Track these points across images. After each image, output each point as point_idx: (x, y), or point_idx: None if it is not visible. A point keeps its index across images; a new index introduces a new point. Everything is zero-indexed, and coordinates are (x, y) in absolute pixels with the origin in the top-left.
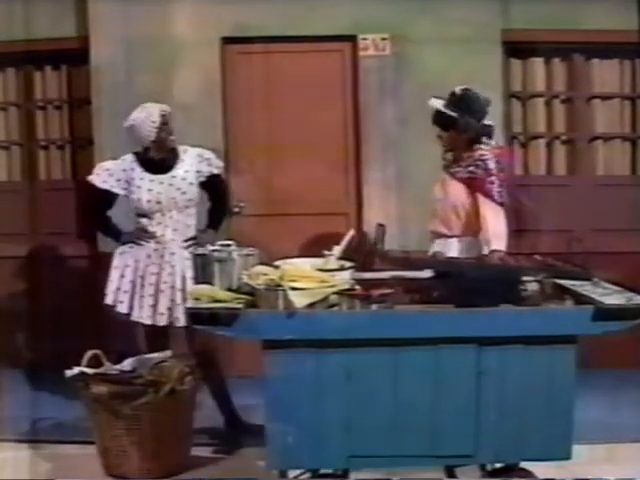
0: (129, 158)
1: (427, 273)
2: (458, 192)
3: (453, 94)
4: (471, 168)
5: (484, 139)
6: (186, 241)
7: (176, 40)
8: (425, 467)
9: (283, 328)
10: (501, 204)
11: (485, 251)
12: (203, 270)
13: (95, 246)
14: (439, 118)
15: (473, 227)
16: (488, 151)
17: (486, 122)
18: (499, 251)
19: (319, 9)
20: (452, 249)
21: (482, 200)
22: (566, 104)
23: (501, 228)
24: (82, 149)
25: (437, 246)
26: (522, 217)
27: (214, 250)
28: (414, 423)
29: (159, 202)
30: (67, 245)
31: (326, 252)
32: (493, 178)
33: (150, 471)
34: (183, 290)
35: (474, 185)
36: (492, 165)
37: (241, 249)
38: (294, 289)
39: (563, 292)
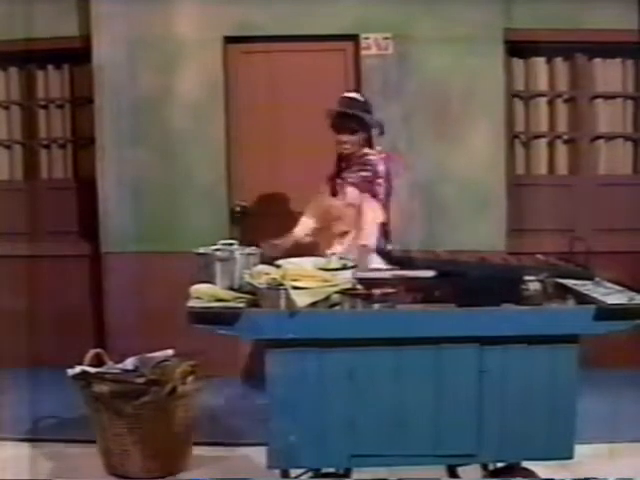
0: None
1: (429, 272)
2: (352, 193)
3: (355, 100)
4: (362, 173)
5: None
6: None
7: (178, 39)
8: (427, 466)
9: (285, 327)
10: (383, 204)
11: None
12: (205, 269)
13: (96, 246)
14: (352, 122)
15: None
16: (376, 156)
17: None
18: (367, 246)
19: (321, 8)
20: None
21: (366, 198)
22: (568, 103)
23: (374, 226)
24: (84, 148)
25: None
26: (522, 217)
27: (216, 249)
28: (416, 422)
29: None
30: (68, 244)
31: (328, 251)
32: (380, 180)
33: (151, 470)
34: None
35: (363, 186)
36: (381, 168)
37: (243, 248)
38: (296, 288)
39: (565, 292)
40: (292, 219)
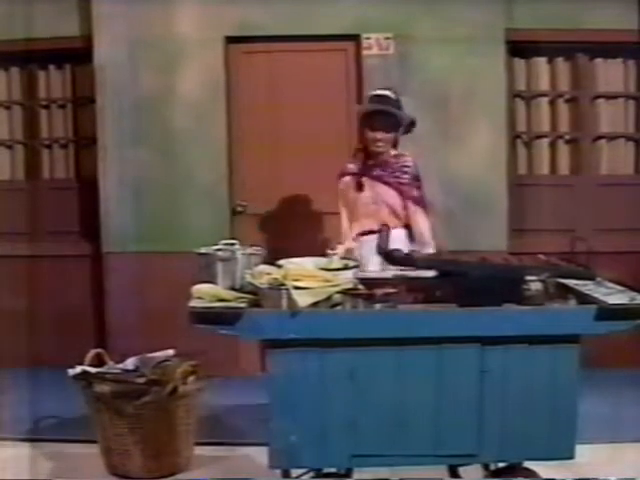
0: None
1: (430, 272)
2: (388, 193)
3: (388, 97)
4: (397, 173)
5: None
6: None
7: (180, 39)
8: (428, 466)
9: (286, 327)
10: (425, 208)
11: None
12: (206, 269)
13: (97, 246)
14: (388, 120)
15: (402, 222)
16: (410, 158)
17: None
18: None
19: (322, 8)
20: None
21: (411, 206)
22: (570, 103)
23: (429, 232)
24: (86, 148)
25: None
26: (524, 217)
27: (217, 249)
28: (417, 422)
29: None
30: (70, 244)
31: (329, 251)
32: (419, 184)
33: (152, 470)
34: None
35: (402, 190)
36: (415, 171)
37: (244, 248)
38: (297, 288)
39: (566, 292)
40: (293, 219)
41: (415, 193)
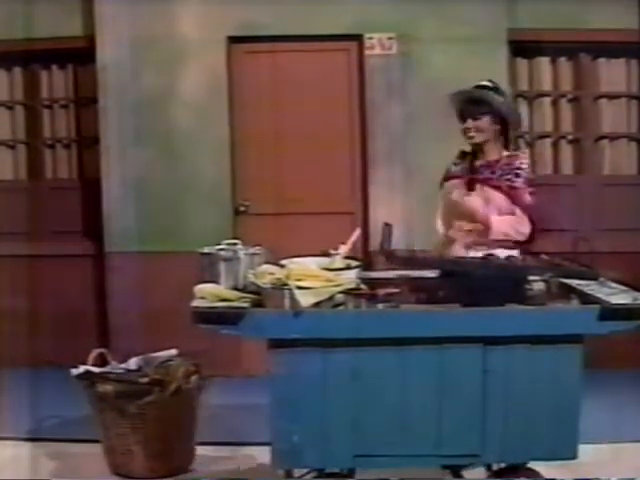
0: None
1: (433, 272)
2: (499, 199)
3: (476, 87)
4: (509, 176)
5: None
6: None
7: (182, 39)
8: (431, 467)
9: (289, 327)
10: (531, 216)
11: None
12: (209, 269)
13: (100, 245)
14: (476, 106)
15: None
16: (525, 159)
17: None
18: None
19: (325, 8)
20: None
21: (519, 213)
22: (572, 103)
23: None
24: (88, 148)
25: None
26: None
27: (220, 249)
28: (420, 422)
29: None
30: (72, 244)
31: (332, 251)
32: (531, 189)
33: (155, 470)
34: None
35: (512, 195)
36: (529, 173)
37: (247, 248)
38: (300, 288)
39: (569, 291)
40: (296, 218)
41: (526, 200)
